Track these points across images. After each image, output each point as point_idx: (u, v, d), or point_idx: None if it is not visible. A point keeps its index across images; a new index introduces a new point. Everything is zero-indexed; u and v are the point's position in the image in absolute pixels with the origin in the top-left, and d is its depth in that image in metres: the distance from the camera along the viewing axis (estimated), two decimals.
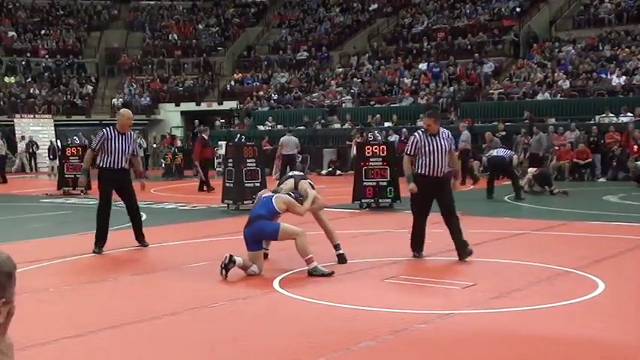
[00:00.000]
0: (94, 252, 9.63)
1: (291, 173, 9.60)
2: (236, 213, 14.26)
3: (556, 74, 28.66)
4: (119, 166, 9.77)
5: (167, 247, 10.28)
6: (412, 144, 8.81)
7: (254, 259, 7.96)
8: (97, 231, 9.80)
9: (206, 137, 21.05)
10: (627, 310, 6.31)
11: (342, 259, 8.46)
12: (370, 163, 14.61)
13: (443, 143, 8.74)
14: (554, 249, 9.42)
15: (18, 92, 37.94)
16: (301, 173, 9.82)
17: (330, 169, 27.46)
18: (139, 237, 10.12)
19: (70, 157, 20.00)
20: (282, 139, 21.99)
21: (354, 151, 25.62)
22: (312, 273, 7.72)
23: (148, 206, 12.77)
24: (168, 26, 44.97)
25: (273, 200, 8.12)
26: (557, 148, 22.99)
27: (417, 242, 8.98)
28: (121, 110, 10.62)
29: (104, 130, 9.94)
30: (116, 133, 9.77)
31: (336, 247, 8.56)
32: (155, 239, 10.51)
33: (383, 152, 14.64)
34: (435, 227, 11.99)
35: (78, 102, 38.73)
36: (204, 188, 19.52)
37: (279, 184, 8.86)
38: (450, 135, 9.01)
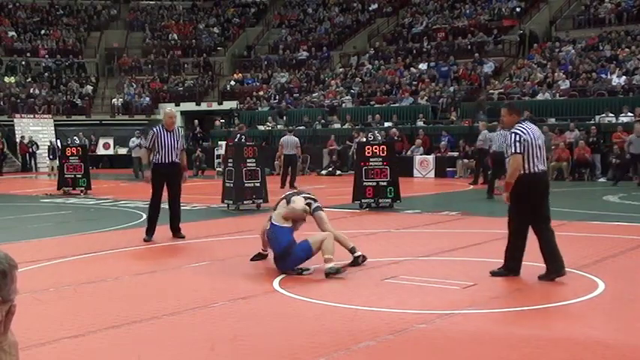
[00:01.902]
0: (144, 240, 10.46)
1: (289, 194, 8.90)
2: (236, 213, 14.26)
3: (556, 74, 28.67)
4: (170, 161, 10.58)
5: (167, 247, 10.28)
6: None
7: None
8: (148, 222, 10.69)
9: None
10: (627, 310, 6.30)
11: (356, 262, 8.27)
12: (370, 163, 14.61)
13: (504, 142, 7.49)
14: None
15: (18, 92, 37.95)
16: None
17: (330, 169, 27.47)
18: (175, 230, 10.80)
19: (70, 157, 19.98)
20: (282, 139, 21.92)
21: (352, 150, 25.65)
22: (328, 273, 7.60)
23: (148, 206, 12.78)
24: (168, 26, 44.98)
25: (273, 221, 7.98)
26: (553, 147, 22.99)
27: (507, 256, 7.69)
28: (165, 109, 11.74)
29: (154, 128, 10.88)
30: (164, 130, 10.62)
31: (352, 250, 8.37)
32: (155, 239, 10.53)
33: (383, 152, 14.63)
34: (435, 227, 12.00)
35: (78, 102, 38.75)
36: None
37: (275, 207, 8.48)
38: (515, 134, 7.38)
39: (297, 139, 21.32)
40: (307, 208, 8.24)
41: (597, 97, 26.52)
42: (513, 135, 7.38)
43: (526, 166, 7.32)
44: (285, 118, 32.40)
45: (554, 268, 7.36)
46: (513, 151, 7.31)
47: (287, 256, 7.83)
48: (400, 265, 8.42)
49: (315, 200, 8.52)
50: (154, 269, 8.56)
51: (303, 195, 8.48)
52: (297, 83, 36.84)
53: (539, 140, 7.45)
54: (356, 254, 8.33)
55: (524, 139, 7.33)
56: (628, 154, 21.09)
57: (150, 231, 10.59)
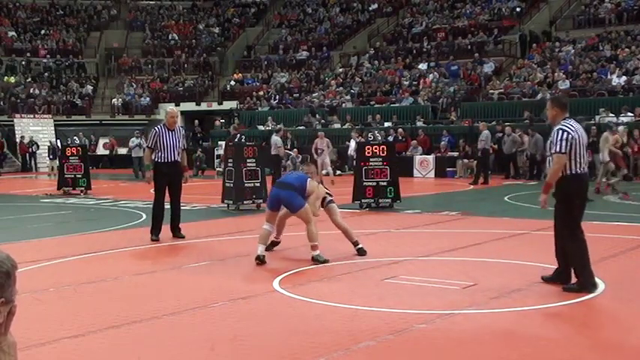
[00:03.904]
0: (152, 240, 10.47)
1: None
2: (236, 213, 14.26)
3: (556, 74, 28.67)
4: (172, 160, 10.63)
5: (167, 247, 10.27)
6: None
7: (269, 218, 8.59)
8: (153, 221, 10.68)
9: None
10: (627, 310, 6.30)
11: (361, 251, 8.97)
12: (370, 163, 14.60)
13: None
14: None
15: (18, 92, 37.94)
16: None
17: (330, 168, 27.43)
18: (175, 229, 10.85)
19: (70, 157, 19.99)
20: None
21: (350, 150, 25.63)
22: (317, 259, 8.42)
23: (148, 206, 12.76)
24: (168, 26, 45.00)
25: (307, 180, 8.69)
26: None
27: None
28: (167, 108, 11.86)
29: (156, 128, 10.89)
30: (166, 129, 10.65)
31: (355, 243, 9.05)
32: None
33: (383, 152, 14.63)
34: (435, 227, 11.99)
35: (78, 102, 38.75)
36: None
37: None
38: (562, 131, 6.77)
39: (277, 139, 21.51)
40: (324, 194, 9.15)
41: (597, 97, 26.52)
42: (560, 132, 6.76)
43: (572, 165, 6.78)
44: (317, 116, 32.13)
45: (560, 278, 7.16)
46: (558, 150, 6.71)
47: (289, 188, 8.58)
48: (400, 265, 8.42)
49: (330, 195, 9.37)
50: (154, 269, 8.56)
51: (327, 192, 9.41)
52: (297, 83, 36.85)
53: (584, 139, 6.95)
54: (358, 246, 9.02)
55: (571, 137, 6.74)
56: None
57: (156, 230, 10.62)
